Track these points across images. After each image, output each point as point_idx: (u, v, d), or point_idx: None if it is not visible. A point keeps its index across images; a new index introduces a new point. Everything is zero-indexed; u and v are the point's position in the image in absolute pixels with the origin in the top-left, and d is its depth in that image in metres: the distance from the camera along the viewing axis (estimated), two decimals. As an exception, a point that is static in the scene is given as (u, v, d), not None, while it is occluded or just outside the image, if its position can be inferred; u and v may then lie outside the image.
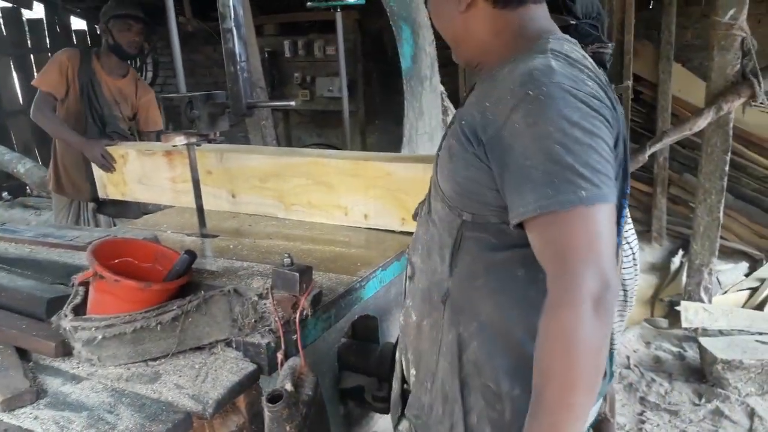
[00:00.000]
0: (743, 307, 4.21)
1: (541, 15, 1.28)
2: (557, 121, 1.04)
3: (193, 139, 2.18)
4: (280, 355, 1.53)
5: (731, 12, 3.53)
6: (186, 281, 1.69)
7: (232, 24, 2.04)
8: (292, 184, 2.53)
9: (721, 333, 3.83)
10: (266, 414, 1.39)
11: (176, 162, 2.80)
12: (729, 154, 3.80)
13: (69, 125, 3.43)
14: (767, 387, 3.32)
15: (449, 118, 3.24)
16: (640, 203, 5.34)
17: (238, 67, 2.08)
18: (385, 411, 1.79)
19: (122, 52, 3.50)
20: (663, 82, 5.04)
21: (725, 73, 3.65)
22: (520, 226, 1.11)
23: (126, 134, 3.60)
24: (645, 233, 5.12)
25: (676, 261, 4.73)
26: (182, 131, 2.16)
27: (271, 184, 2.58)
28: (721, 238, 4.13)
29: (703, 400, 3.32)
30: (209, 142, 2.23)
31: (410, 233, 1.58)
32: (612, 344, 2.09)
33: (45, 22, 7.19)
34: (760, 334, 3.70)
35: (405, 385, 1.51)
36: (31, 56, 7.11)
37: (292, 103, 2.46)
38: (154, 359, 1.53)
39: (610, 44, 2.36)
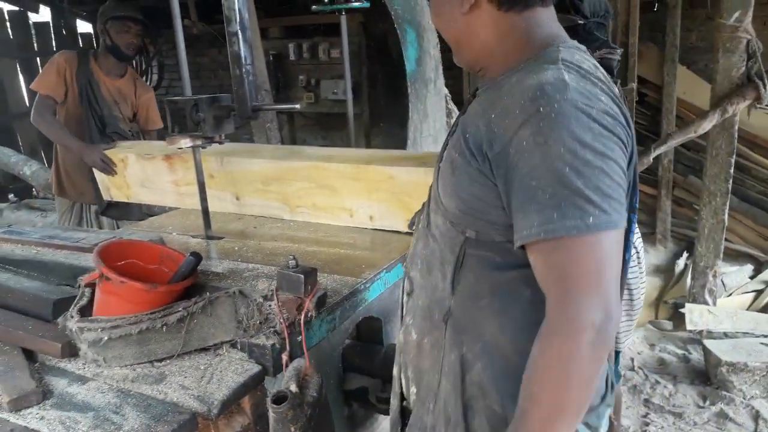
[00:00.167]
0: (748, 309, 4.21)
1: (548, 19, 1.22)
2: (568, 141, 0.99)
3: (199, 142, 2.19)
4: (284, 357, 1.54)
5: (736, 14, 3.53)
6: (191, 283, 1.70)
7: (238, 27, 2.05)
8: (295, 188, 2.54)
9: (725, 335, 3.83)
10: (271, 415, 1.40)
11: (177, 166, 2.81)
12: (734, 156, 3.81)
13: (69, 127, 3.43)
14: (772, 390, 3.31)
15: (453, 121, 3.24)
16: (645, 205, 5.33)
17: (244, 70, 2.08)
18: (389, 413, 1.80)
19: (120, 53, 3.50)
20: (668, 84, 5.03)
21: (730, 75, 3.65)
22: (523, 246, 1.08)
23: (126, 135, 3.59)
24: (649, 235, 5.11)
25: (681, 263, 4.72)
26: (187, 134, 2.16)
27: (275, 188, 2.58)
28: (726, 240, 4.13)
29: (708, 402, 3.32)
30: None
31: (415, 235, 1.57)
32: (618, 344, 2.09)
33: (51, 25, 7.22)
34: (765, 336, 3.70)
35: (404, 402, 1.49)
36: (38, 59, 7.13)
37: (297, 105, 2.47)
38: (160, 360, 1.54)
39: (618, 50, 2.32)
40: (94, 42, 7.52)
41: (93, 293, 1.63)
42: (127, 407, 1.38)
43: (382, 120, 6.54)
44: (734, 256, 4.88)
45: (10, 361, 1.55)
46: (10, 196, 5.86)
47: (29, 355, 1.61)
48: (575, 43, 1.19)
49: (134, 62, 7.10)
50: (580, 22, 2.21)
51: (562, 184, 0.99)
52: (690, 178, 5.20)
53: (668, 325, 4.22)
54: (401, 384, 1.46)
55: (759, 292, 4.35)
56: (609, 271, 1.00)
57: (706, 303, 4.04)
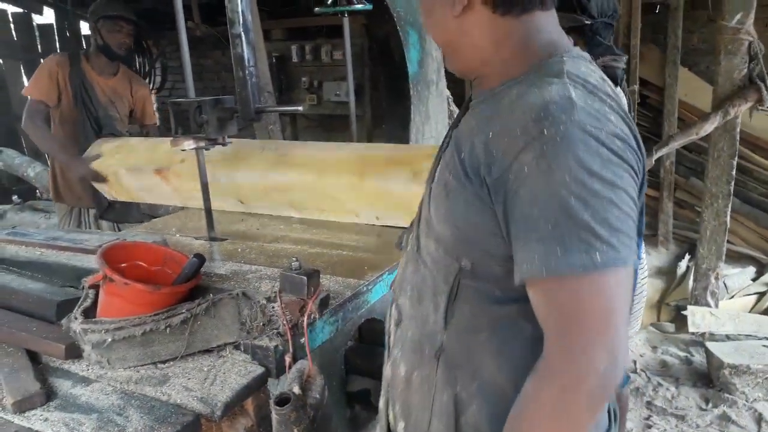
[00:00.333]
0: (750, 311, 4.20)
1: (549, 24, 1.10)
2: (575, 169, 0.89)
3: (202, 144, 2.19)
4: (288, 358, 1.54)
5: (738, 16, 3.54)
6: (195, 285, 1.70)
7: (241, 29, 2.06)
8: (297, 197, 2.55)
9: (728, 337, 3.82)
10: (274, 417, 1.40)
11: (171, 179, 2.80)
12: (736, 158, 3.81)
13: (65, 130, 3.40)
14: (775, 392, 3.31)
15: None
16: (647, 207, 5.29)
17: (247, 72, 2.09)
18: None
19: (111, 53, 3.45)
20: (669, 86, 5.04)
21: (732, 77, 3.65)
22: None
23: (123, 136, 3.58)
24: (651, 237, 5.10)
25: (683, 265, 4.71)
26: (191, 135, 2.17)
27: (277, 195, 2.59)
28: (728, 242, 4.13)
29: (710, 404, 3.31)
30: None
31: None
32: None
33: (55, 27, 7.24)
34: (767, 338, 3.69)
35: None
36: (41, 61, 7.14)
37: (300, 107, 2.47)
38: (163, 362, 1.55)
39: (623, 56, 2.22)
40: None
41: (97, 295, 1.64)
42: (130, 409, 1.39)
43: (385, 122, 6.52)
44: (736, 258, 4.88)
45: (14, 363, 1.56)
46: (14, 197, 5.88)
47: (33, 357, 1.61)
48: (579, 50, 1.10)
49: (137, 64, 7.12)
50: (586, 22, 2.17)
51: (566, 216, 0.89)
52: (692, 180, 5.20)
53: (670, 327, 4.22)
54: (388, 419, 1.36)
55: (761, 294, 4.34)
56: (617, 312, 0.92)
57: (708, 305, 4.04)
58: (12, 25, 6.89)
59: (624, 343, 0.93)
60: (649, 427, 3.17)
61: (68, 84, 3.38)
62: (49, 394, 1.44)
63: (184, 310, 1.55)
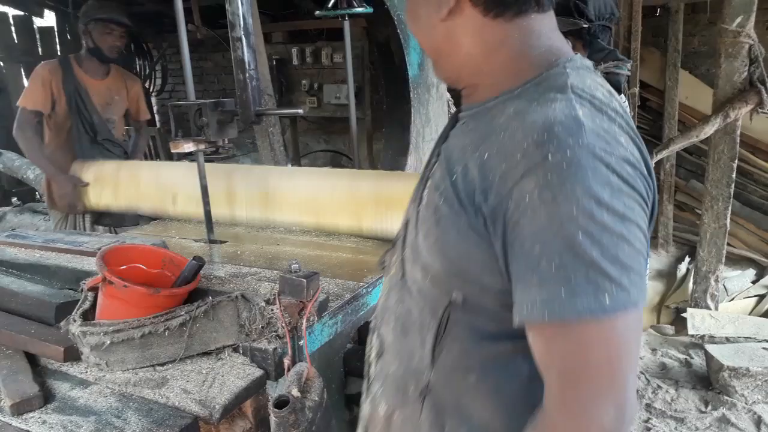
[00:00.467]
0: (750, 314, 4.20)
1: (547, 29, 0.98)
2: (584, 200, 0.79)
3: (202, 146, 2.20)
4: (286, 361, 1.54)
5: (738, 19, 3.54)
6: (194, 287, 1.70)
7: (242, 32, 2.06)
8: (295, 219, 2.56)
9: (727, 340, 3.82)
10: (272, 419, 1.40)
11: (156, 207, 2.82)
12: (736, 161, 3.81)
13: (59, 138, 3.38)
14: (775, 395, 3.31)
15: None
16: (647, 210, 5.33)
17: (247, 75, 2.09)
18: None
19: (103, 55, 3.41)
20: (670, 89, 5.04)
21: (732, 80, 3.65)
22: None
23: (118, 142, 3.56)
24: (651, 240, 5.10)
25: (683, 268, 4.72)
26: (191, 138, 2.17)
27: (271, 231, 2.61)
28: (728, 245, 4.13)
29: (710, 407, 3.31)
30: (217, 150, 2.25)
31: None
32: None
33: (56, 30, 7.24)
34: (767, 341, 3.69)
35: None
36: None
37: (300, 110, 2.48)
38: (162, 364, 1.55)
39: (628, 62, 2.11)
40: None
41: (96, 297, 1.64)
42: (129, 411, 1.39)
43: (385, 124, 6.51)
44: (736, 261, 4.88)
45: (12, 365, 1.56)
46: (14, 199, 5.89)
47: (32, 359, 1.61)
48: (581, 58, 0.98)
49: (137, 67, 7.13)
50: (584, 25, 2.15)
51: (573, 253, 0.79)
52: (692, 182, 5.20)
53: (670, 329, 4.22)
54: None
55: (761, 297, 4.35)
56: (626, 360, 0.81)
57: (708, 308, 4.04)
58: (13, 28, 6.89)
59: (633, 393, 0.84)
60: (649, 429, 3.17)
61: (62, 91, 3.35)
62: (47, 397, 1.44)
63: (183, 313, 1.55)
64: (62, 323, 1.63)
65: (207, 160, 2.37)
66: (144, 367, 1.54)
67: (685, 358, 3.82)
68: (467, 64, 1.00)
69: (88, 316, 1.60)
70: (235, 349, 1.58)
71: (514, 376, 0.96)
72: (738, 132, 3.75)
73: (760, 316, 4.14)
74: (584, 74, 0.93)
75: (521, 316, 0.85)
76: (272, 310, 1.61)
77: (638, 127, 5.10)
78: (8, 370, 1.53)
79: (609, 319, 0.79)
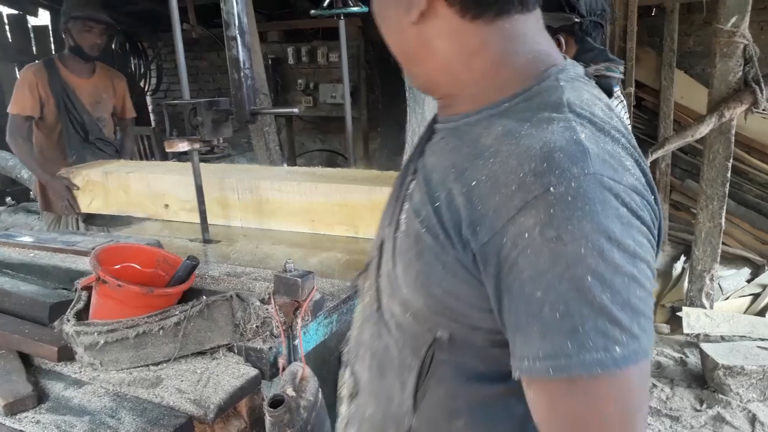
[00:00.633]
0: (745, 313, 4.22)
1: (532, 30, 0.86)
2: (593, 237, 0.68)
3: (197, 146, 2.19)
4: (281, 360, 1.54)
5: (733, 19, 3.55)
6: (188, 286, 1.70)
7: (237, 31, 2.06)
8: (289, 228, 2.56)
9: (722, 339, 3.83)
10: (267, 419, 1.40)
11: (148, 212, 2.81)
12: (731, 160, 3.82)
13: (50, 140, 3.36)
14: (769, 394, 3.32)
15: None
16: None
17: (242, 74, 2.09)
18: None
19: (84, 54, 3.38)
20: (665, 88, 5.06)
21: (727, 80, 3.66)
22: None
23: (110, 140, 3.55)
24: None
25: (678, 267, 4.73)
26: (186, 137, 2.17)
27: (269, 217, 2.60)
28: (723, 244, 4.15)
29: (705, 405, 3.32)
30: (213, 149, 2.24)
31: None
32: None
33: (50, 29, 7.23)
34: (762, 340, 3.70)
35: None
36: (36, 63, 7.15)
37: (296, 110, 2.48)
38: (156, 364, 1.54)
39: (621, 64, 2.08)
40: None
41: (89, 297, 1.63)
42: (123, 411, 1.38)
43: (381, 123, 6.56)
44: (731, 260, 4.90)
45: (6, 365, 1.55)
46: (8, 199, 5.88)
47: (25, 359, 1.60)
48: (573, 65, 0.88)
49: (132, 66, 7.11)
50: (576, 20, 2.13)
51: (581, 299, 0.68)
52: (687, 182, 5.22)
53: (665, 328, 4.22)
54: None
55: (756, 296, 4.36)
56: (637, 415, 0.72)
57: (703, 306, 4.05)
58: (7, 27, 6.88)
59: None
60: (644, 428, 3.18)
61: (50, 92, 3.33)
62: (41, 397, 1.43)
63: (177, 312, 1.54)
64: (56, 323, 1.63)
65: (202, 160, 2.37)
66: (138, 366, 1.53)
67: (680, 357, 3.83)
68: (443, 71, 0.87)
69: (82, 315, 1.60)
70: (230, 349, 1.58)
71: (507, 418, 0.86)
72: (733, 131, 3.76)
73: (755, 314, 4.15)
74: (580, 87, 0.83)
75: (521, 371, 0.74)
76: (267, 309, 1.61)
77: (634, 127, 5.13)
78: (1, 370, 1.52)
79: (620, 372, 0.69)
